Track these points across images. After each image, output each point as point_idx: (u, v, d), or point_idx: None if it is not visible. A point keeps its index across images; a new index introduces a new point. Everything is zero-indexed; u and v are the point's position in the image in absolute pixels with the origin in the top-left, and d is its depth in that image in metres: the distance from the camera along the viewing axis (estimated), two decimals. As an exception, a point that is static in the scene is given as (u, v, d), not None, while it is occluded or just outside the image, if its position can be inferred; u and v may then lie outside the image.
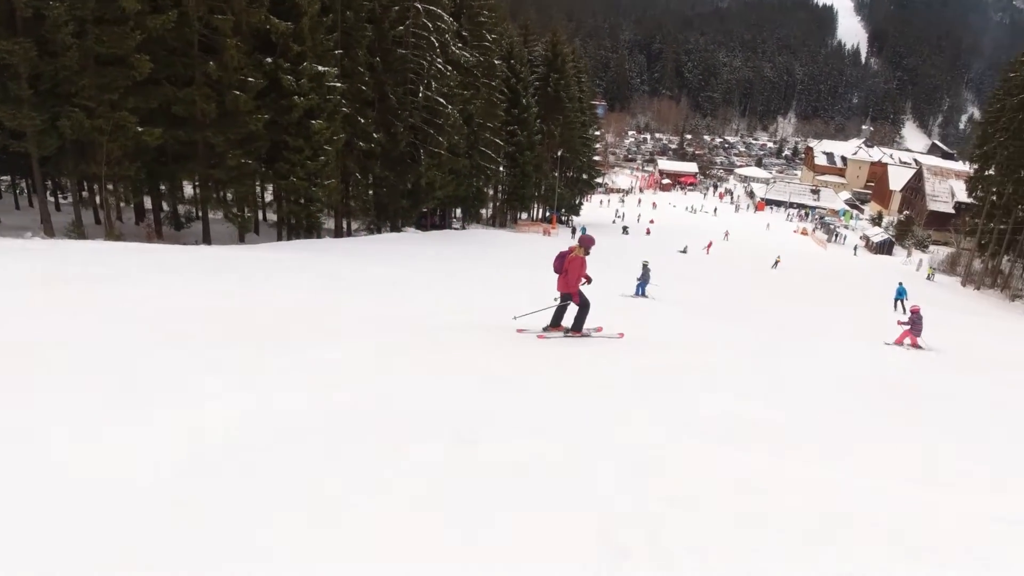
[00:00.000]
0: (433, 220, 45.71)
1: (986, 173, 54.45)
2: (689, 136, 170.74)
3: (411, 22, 35.65)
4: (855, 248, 69.73)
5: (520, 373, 7.63)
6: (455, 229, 46.33)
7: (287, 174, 28.29)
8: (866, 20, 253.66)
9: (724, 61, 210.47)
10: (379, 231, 37.53)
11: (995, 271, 56.66)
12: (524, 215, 60.43)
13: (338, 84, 29.88)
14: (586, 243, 9.84)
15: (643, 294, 20.39)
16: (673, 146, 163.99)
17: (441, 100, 36.30)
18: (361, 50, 32.74)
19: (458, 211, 49.50)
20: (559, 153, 55.94)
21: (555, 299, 10.14)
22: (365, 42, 33.03)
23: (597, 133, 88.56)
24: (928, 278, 52.62)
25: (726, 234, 65.97)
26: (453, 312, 12.06)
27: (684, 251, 49.00)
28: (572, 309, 9.98)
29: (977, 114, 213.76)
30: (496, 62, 44.09)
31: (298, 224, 30.83)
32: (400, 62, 35.65)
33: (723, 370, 9.51)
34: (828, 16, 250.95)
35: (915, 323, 15.85)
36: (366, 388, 6.09)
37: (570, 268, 9.54)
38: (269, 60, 26.80)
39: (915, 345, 15.87)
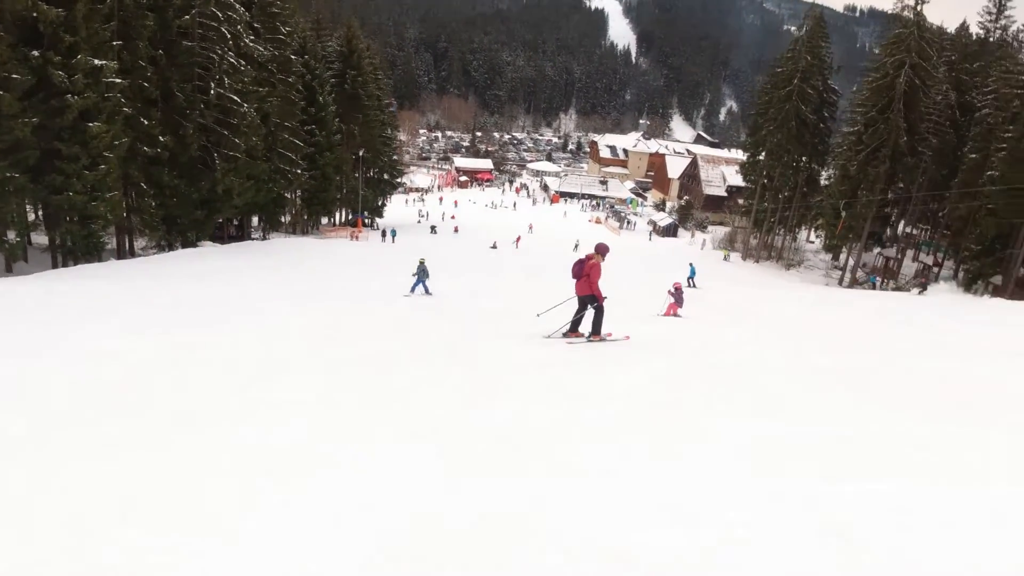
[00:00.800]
0: (230, 231, 42.20)
1: (758, 159, 60.08)
2: (479, 133, 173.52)
3: (198, 11, 32.36)
4: (650, 234, 73.82)
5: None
6: (255, 239, 43.05)
7: (61, 188, 24.30)
8: (634, 23, 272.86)
9: (508, 60, 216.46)
10: (171, 248, 33.78)
11: (769, 245, 62.77)
12: (325, 220, 57.75)
13: (117, 80, 26.30)
14: (602, 250, 10.56)
15: (426, 291, 19.97)
16: (465, 143, 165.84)
17: (235, 98, 33.29)
18: (142, 42, 29.02)
19: (255, 220, 46.12)
20: (360, 153, 53.99)
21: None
22: (147, 33, 29.34)
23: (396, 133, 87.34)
24: (725, 259, 56.76)
25: (530, 227, 67.40)
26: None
27: (494, 247, 49.39)
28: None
29: (735, 107, 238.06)
30: (291, 56, 41.35)
31: (76, 247, 26.85)
32: (187, 55, 32.16)
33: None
34: (600, 18, 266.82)
35: (677, 296, 17.85)
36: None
37: (591, 272, 10.21)
38: (36, 53, 22.83)
39: (675, 313, 17.62)
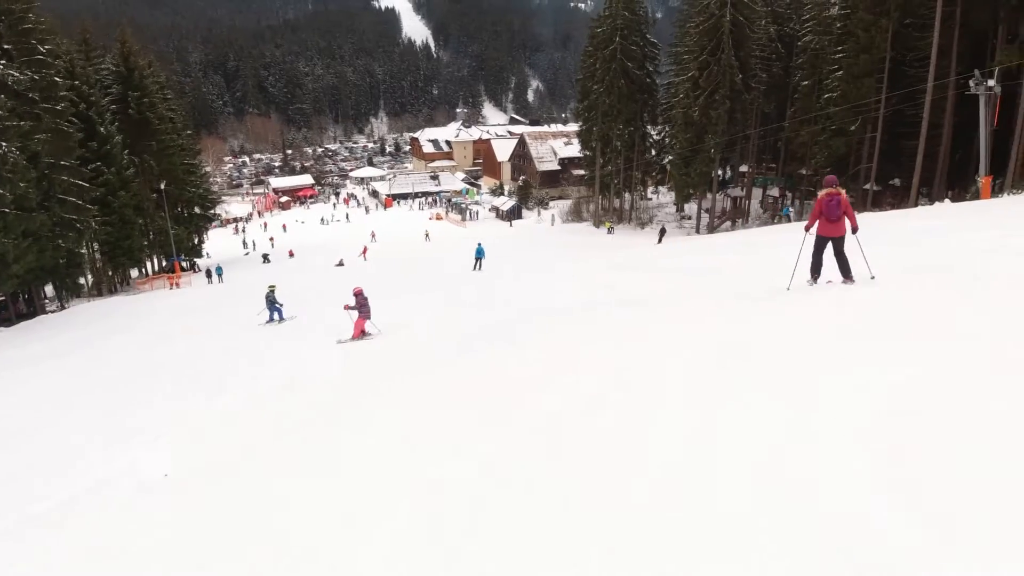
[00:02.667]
0: (19, 308, 34.03)
1: (592, 124, 58.44)
2: (291, 151, 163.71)
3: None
4: (511, 222, 70.34)
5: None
6: (51, 312, 35.04)
7: None
8: (427, 18, 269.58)
9: (305, 71, 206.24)
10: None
11: (620, 209, 61.51)
12: (136, 272, 49.46)
13: None
14: (827, 182, 9.65)
15: (280, 318, 20.30)
16: (277, 164, 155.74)
17: (-14, 138, 26.09)
18: None
19: (48, 288, 37.83)
20: (162, 187, 46.44)
21: None
22: None
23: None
24: (609, 231, 54.44)
25: (372, 235, 62.30)
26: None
27: (341, 264, 44.22)
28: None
29: (541, 85, 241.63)
30: (57, 80, 33.64)
31: None
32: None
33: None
34: (393, 17, 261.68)
35: (362, 307, 15.69)
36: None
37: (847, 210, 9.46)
38: None
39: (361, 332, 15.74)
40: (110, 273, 44.92)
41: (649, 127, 60.39)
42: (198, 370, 14.72)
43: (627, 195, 61.59)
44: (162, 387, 13.46)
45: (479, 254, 33.34)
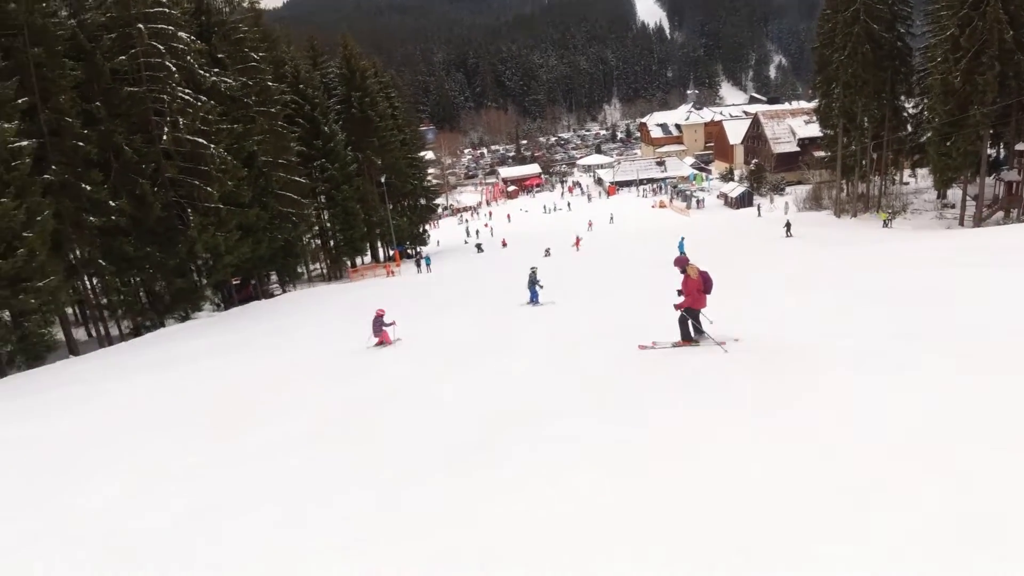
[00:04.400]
0: (249, 291, 37.06)
1: (832, 98, 51.72)
2: (524, 141, 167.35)
3: (138, 50, 27.20)
4: (758, 207, 64.00)
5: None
6: (277, 296, 37.77)
7: (-35, 286, 19.28)
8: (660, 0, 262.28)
9: (540, 63, 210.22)
10: (159, 325, 28.52)
11: (865, 196, 54.13)
12: (363, 259, 52.19)
13: (24, 143, 21.13)
14: (679, 263, 10.96)
15: (536, 301, 20.34)
16: (511, 154, 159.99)
17: (199, 140, 27.98)
18: (65, 95, 23.98)
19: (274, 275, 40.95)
20: (383, 179, 48.37)
21: None
22: (68, 83, 24.27)
23: (428, 155, 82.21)
24: (886, 224, 45.75)
25: (589, 224, 60.81)
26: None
27: (547, 254, 42.98)
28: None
29: (784, 61, 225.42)
30: (271, 84, 35.82)
31: (15, 352, 21.71)
32: (131, 103, 27.10)
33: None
34: (626, 2, 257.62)
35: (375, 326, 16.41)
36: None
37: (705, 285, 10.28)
38: None
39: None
40: (330, 262, 47.54)
41: (903, 99, 52.18)
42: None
43: (876, 179, 53.88)
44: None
45: (680, 248, 31.69)
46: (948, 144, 41.44)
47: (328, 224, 46.70)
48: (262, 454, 8.21)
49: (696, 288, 10.22)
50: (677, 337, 10.85)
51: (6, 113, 21.08)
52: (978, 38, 38.23)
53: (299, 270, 41.85)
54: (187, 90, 28.19)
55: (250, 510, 6.31)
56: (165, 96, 27.36)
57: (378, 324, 16.52)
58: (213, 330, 24.39)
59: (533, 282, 20.30)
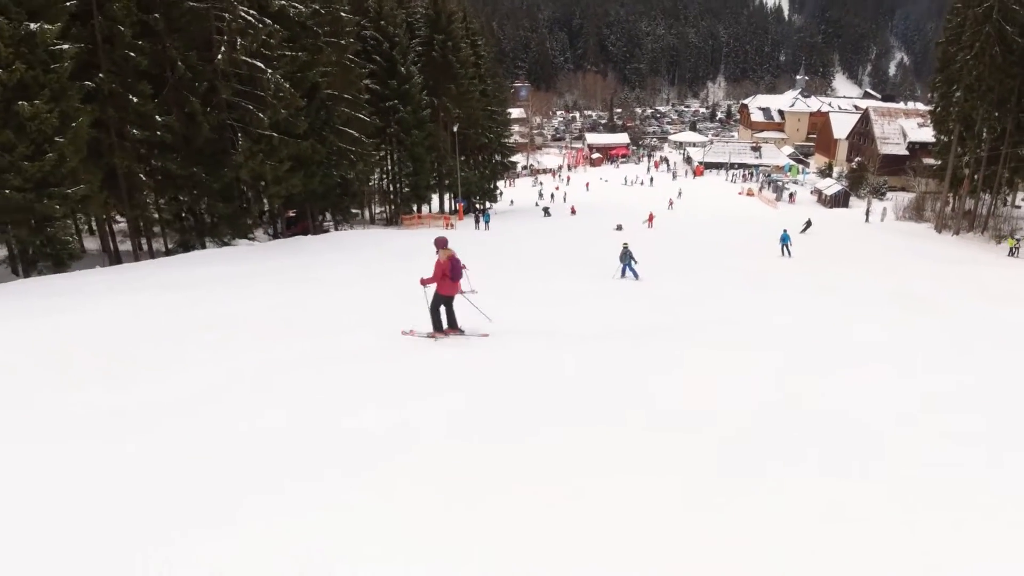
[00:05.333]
0: (305, 225, 36.30)
1: (952, 100, 47.02)
2: (619, 110, 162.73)
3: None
4: (866, 213, 57.03)
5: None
6: (328, 232, 36.97)
7: (-4, 185, 18.68)
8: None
9: (647, 31, 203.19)
10: (199, 247, 27.88)
11: (972, 213, 49.45)
12: (429, 208, 50.90)
13: (65, 46, 20.27)
14: (438, 243, 10.00)
15: (635, 275, 20.17)
16: (603, 121, 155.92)
17: (256, 63, 26.81)
18: (120, 2, 23.00)
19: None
20: (455, 129, 46.74)
21: None
22: (124, -8, 23.28)
23: (514, 112, 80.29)
24: (1012, 253, 39.03)
25: (670, 203, 58.11)
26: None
27: (619, 228, 40.64)
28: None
29: (907, 59, 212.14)
30: (345, 15, 34.34)
31: (38, 254, 21.19)
32: (192, 18, 26.10)
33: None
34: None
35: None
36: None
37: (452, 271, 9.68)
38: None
39: None
40: (393, 207, 46.42)
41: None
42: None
43: (986, 197, 49.04)
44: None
45: (784, 240, 31.20)
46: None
47: (395, 168, 45.53)
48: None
49: (442, 272, 9.70)
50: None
51: (51, 15, 20.22)
52: None
53: (356, 211, 40.72)
54: (251, 11, 26.98)
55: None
56: (227, 15, 26.21)
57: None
58: (245, 258, 23.43)
59: (627, 256, 20.31)
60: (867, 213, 54.21)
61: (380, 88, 41.15)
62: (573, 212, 53.24)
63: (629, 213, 48.11)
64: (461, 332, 10.08)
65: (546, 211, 53.11)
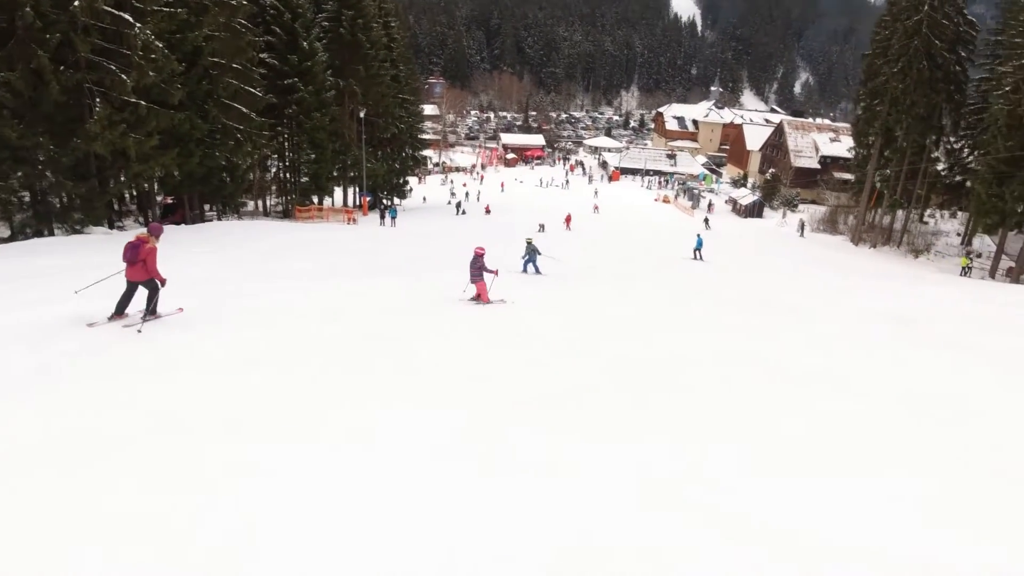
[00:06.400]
0: (183, 214, 31.59)
1: (874, 113, 46.53)
2: (534, 113, 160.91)
3: None
4: (705, 220, 54.82)
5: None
6: (211, 221, 32.38)
7: None
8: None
9: (564, 36, 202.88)
10: (47, 233, 23.08)
11: (888, 228, 49.28)
12: (328, 200, 46.45)
13: None
14: (155, 231, 10.03)
15: (536, 271, 20.08)
16: (518, 123, 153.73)
17: (125, 16, 22.38)
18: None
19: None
20: (362, 115, 42.81)
21: None
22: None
23: (428, 108, 76.65)
24: (964, 272, 38.50)
25: (595, 208, 56.54)
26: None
27: (542, 229, 38.16)
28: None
29: (812, 80, 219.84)
30: (236, -27, 29.95)
31: None
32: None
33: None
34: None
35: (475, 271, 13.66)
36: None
37: (148, 257, 9.57)
38: None
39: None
40: (289, 198, 41.96)
41: (948, 129, 47.17)
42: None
43: (901, 212, 49.00)
44: None
45: (698, 245, 32.03)
46: (1001, 185, 36.35)
47: (293, 155, 41.19)
48: None
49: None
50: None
51: None
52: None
53: (245, 200, 36.00)
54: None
55: None
56: (87, -48, 21.69)
57: (477, 268, 13.26)
58: (83, 249, 19.04)
59: (531, 251, 20.20)
60: (802, 226, 53.26)
61: (279, 63, 36.87)
62: (488, 211, 50.33)
63: (546, 215, 45.64)
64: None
65: (459, 207, 50.01)
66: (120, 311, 9.86)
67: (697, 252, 31.62)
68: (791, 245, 46.66)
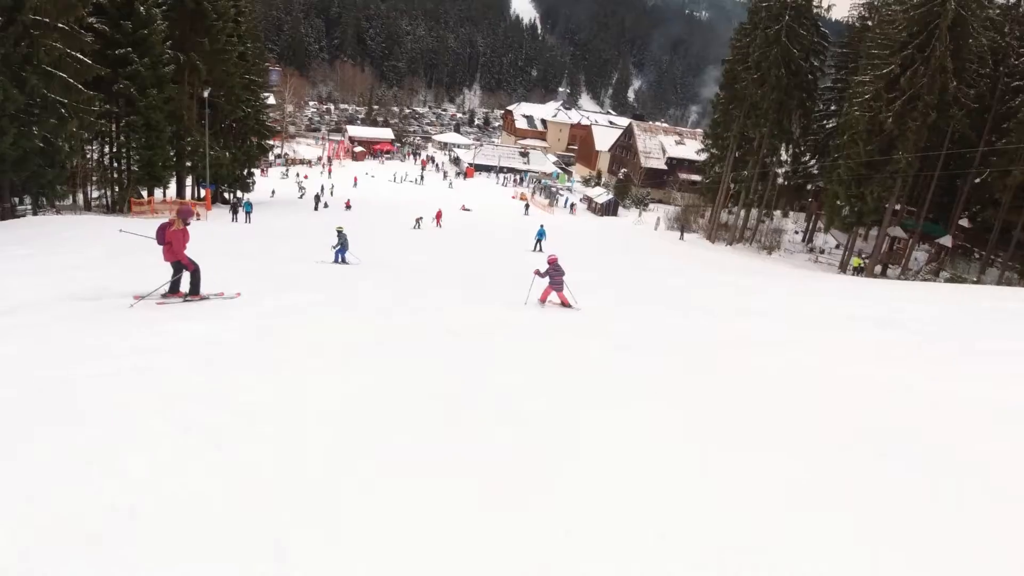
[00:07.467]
0: (3, 204, 25.87)
1: (730, 117, 47.78)
2: (377, 107, 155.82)
3: None
4: (570, 205, 56.58)
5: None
6: (18, 217, 26.75)
7: None
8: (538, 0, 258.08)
9: (407, 30, 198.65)
10: None
11: (743, 226, 50.93)
12: (161, 192, 40.72)
13: None
14: (184, 214, 10.13)
15: (343, 260, 19.22)
16: (361, 116, 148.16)
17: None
18: None
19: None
20: (206, 95, 37.94)
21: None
22: None
23: (270, 97, 71.17)
24: (857, 271, 37.81)
25: (463, 207, 54.79)
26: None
27: (418, 225, 36.71)
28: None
29: (643, 86, 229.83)
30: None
31: None
32: None
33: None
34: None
35: (554, 277, 12.72)
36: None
37: (173, 239, 9.80)
38: None
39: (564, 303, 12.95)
40: (119, 189, 36.25)
41: (798, 134, 49.38)
42: None
43: (753, 212, 50.82)
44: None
45: (540, 235, 32.40)
46: (859, 187, 37.92)
47: (122, 138, 35.56)
48: None
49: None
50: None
51: None
52: (919, 81, 34.71)
53: (63, 188, 30.11)
54: None
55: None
56: None
57: (557, 276, 12.65)
58: None
59: (341, 241, 19.45)
60: (658, 223, 53.93)
61: (109, 30, 31.58)
62: (348, 206, 46.75)
63: (408, 210, 43.16)
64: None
65: (317, 200, 46.15)
66: (174, 290, 10.32)
67: (538, 243, 31.60)
68: (658, 242, 47.21)
